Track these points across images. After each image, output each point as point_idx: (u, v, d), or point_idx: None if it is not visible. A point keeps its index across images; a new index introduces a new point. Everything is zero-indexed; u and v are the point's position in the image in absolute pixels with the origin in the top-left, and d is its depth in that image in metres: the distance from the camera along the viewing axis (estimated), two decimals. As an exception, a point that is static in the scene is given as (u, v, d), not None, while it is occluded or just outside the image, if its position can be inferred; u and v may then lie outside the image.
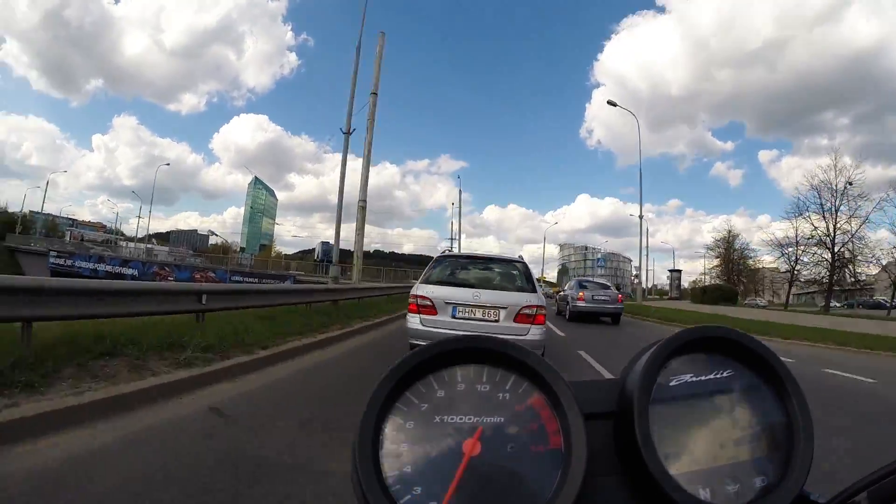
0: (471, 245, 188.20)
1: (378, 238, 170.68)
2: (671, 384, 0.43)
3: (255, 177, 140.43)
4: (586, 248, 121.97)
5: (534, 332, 4.67)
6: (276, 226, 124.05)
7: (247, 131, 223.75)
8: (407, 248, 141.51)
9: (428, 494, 0.37)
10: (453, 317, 4.76)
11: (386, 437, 0.40)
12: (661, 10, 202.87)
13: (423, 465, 0.39)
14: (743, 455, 0.42)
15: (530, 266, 5.52)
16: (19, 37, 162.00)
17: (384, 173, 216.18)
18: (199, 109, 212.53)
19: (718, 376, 0.44)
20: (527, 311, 4.69)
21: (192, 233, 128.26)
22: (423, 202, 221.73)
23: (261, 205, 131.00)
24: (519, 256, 6.00)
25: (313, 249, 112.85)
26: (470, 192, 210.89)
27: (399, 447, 0.40)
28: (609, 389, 0.46)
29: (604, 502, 0.41)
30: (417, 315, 4.85)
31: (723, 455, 0.41)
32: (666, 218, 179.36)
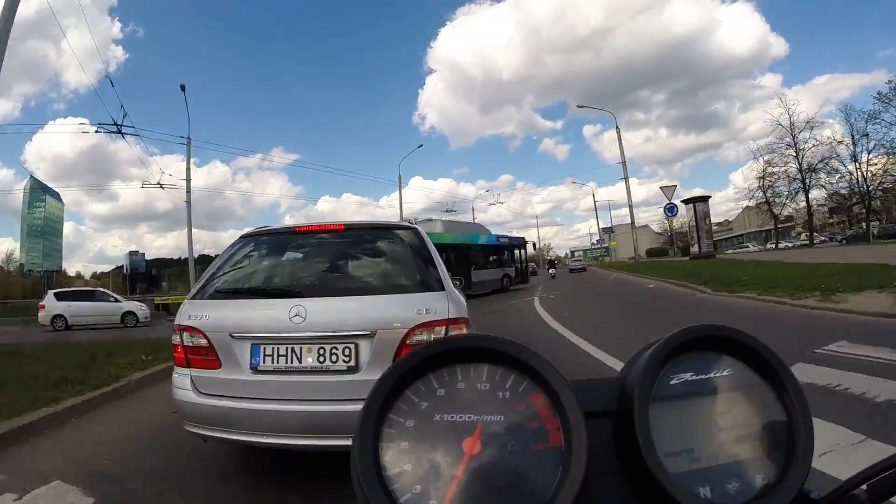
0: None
1: (211, 243, 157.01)
2: (671, 382, 0.43)
3: (32, 175, 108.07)
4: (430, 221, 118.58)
5: None
6: (63, 238, 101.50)
7: (65, 137, 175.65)
8: None
9: (428, 492, 0.37)
10: (254, 370, 2.17)
11: (386, 435, 0.40)
12: None
13: (424, 463, 0.39)
14: (743, 453, 0.42)
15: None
16: None
17: (214, 173, 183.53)
18: (13, 116, 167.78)
19: (719, 375, 0.44)
20: (423, 336, 2.14)
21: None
22: (255, 199, 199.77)
23: (40, 214, 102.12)
24: (408, 222, 3.41)
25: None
26: (303, 184, 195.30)
27: (399, 445, 0.39)
28: (609, 388, 0.46)
29: (604, 501, 0.41)
30: (187, 371, 2.31)
31: (723, 453, 0.42)
32: (496, 192, 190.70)
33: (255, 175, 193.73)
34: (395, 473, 0.38)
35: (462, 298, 2.49)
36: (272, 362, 2.18)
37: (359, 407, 0.40)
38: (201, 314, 2.31)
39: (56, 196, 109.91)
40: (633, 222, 32.03)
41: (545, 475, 0.39)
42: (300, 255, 2.91)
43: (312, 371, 2.15)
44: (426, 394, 0.42)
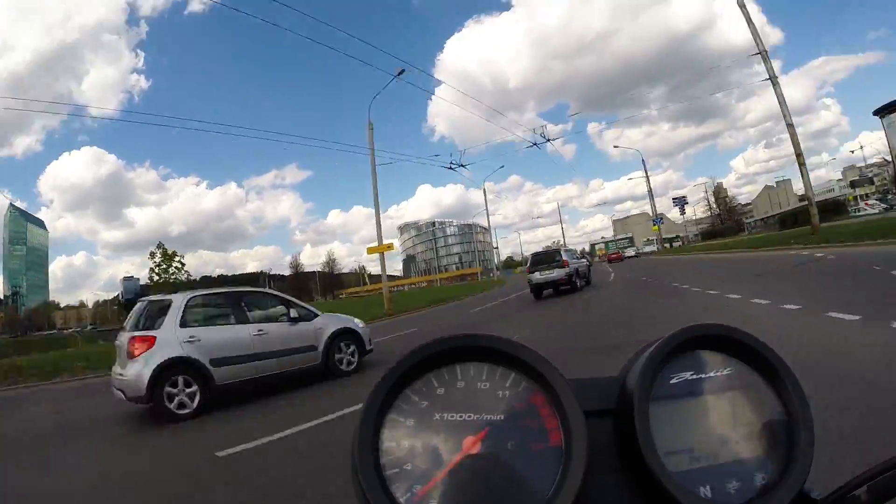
0: (317, 253, 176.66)
1: (221, 262, 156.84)
2: (671, 382, 0.43)
3: (11, 203, 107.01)
4: (434, 225, 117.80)
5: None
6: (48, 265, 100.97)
7: (81, 166, 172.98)
8: (251, 268, 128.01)
9: (428, 493, 0.37)
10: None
11: (386, 434, 0.40)
12: (507, 7, 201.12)
13: (424, 462, 0.39)
14: (743, 452, 0.42)
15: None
16: None
17: (228, 194, 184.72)
18: (34, 150, 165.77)
19: (719, 374, 0.44)
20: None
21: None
22: (266, 217, 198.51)
23: (22, 242, 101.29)
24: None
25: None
26: (313, 200, 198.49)
27: (399, 445, 0.40)
28: (609, 387, 0.46)
29: (604, 500, 0.41)
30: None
31: (723, 453, 0.41)
32: (505, 194, 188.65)
33: (267, 193, 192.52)
34: (395, 473, 0.38)
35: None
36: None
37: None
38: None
39: (40, 224, 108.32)
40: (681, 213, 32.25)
41: (545, 474, 0.39)
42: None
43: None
44: (426, 393, 0.42)
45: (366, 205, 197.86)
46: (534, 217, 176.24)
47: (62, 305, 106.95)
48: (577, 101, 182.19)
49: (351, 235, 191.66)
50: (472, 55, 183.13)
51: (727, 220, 62.13)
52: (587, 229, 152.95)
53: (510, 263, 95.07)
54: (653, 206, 30.73)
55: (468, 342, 0.43)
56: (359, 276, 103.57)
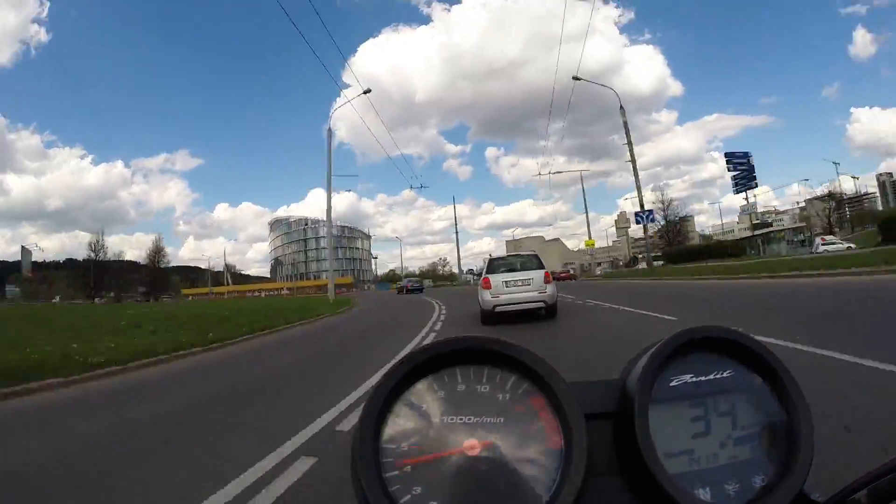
0: (201, 247, 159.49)
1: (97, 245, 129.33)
2: (671, 384, 0.43)
3: None
4: (306, 224, 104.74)
5: None
6: None
7: None
8: (130, 256, 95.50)
9: (428, 494, 0.37)
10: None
11: (386, 436, 0.40)
12: (425, 20, 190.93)
13: (423, 465, 0.39)
14: (743, 454, 0.42)
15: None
16: None
17: (113, 172, 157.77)
18: None
19: (719, 376, 0.44)
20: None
21: None
22: (151, 203, 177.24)
23: None
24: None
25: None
26: (202, 191, 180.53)
27: (399, 447, 0.40)
28: (609, 390, 0.46)
29: (604, 502, 0.41)
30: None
31: (723, 455, 0.42)
32: (396, 209, 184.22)
33: (154, 178, 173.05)
34: (394, 475, 0.38)
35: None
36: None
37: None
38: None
39: None
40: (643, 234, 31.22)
41: (545, 477, 0.39)
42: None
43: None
44: (426, 396, 0.42)
45: (255, 201, 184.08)
46: (423, 233, 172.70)
47: None
48: (479, 123, 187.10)
49: (238, 232, 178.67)
50: (383, 62, 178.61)
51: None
52: (474, 251, 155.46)
53: (391, 277, 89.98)
54: (641, 200, 27.61)
55: (469, 345, 0.43)
56: (221, 274, 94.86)
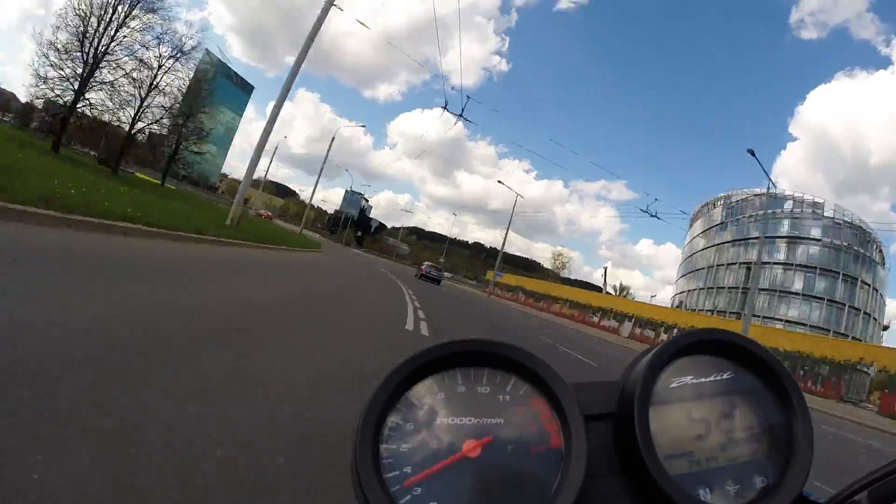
0: (618, 275, 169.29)
1: (524, 247, 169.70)
2: (671, 386, 0.43)
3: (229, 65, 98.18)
4: None
5: None
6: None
7: (427, 123, 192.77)
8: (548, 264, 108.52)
9: (428, 495, 0.37)
10: None
11: (386, 438, 0.40)
12: (885, 63, 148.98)
13: (423, 466, 0.39)
14: (743, 456, 0.42)
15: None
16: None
17: (553, 189, 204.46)
18: (394, 99, 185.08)
19: (719, 378, 0.44)
20: None
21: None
22: (579, 222, 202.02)
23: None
24: None
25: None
26: (627, 223, 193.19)
27: (399, 448, 0.39)
28: (609, 391, 0.46)
29: (604, 503, 0.41)
30: None
31: (723, 456, 0.42)
32: None
33: (588, 202, 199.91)
34: (395, 475, 0.38)
35: None
36: None
37: None
38: None
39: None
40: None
41: (545, 478, 0.39)
42: None
43: None
44: (427, 397, 0.42)
45: (675, 243, 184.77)
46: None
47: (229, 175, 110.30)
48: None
49: (656, 270, 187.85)
50: (835, 113, 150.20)
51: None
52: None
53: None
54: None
55: (469, 347, 0.43)
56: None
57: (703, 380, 0.44)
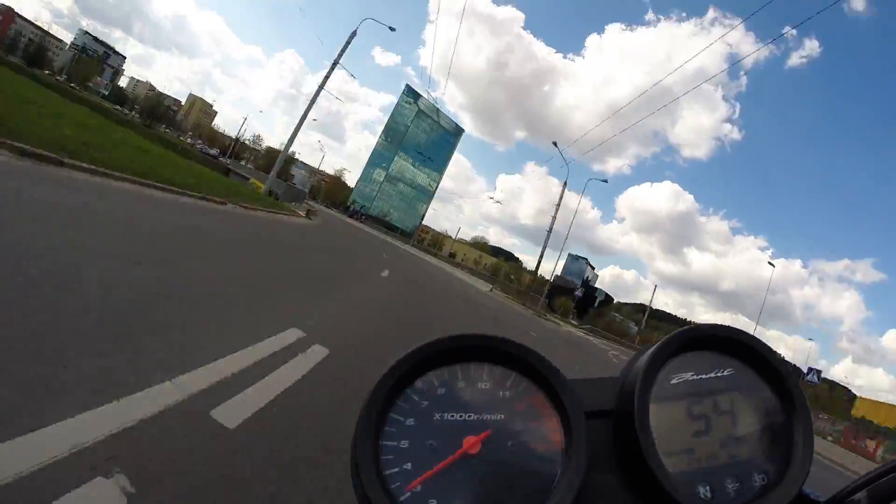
0: (859, 373, 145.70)
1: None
2: (672, 382, 0.43)
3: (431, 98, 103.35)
4: None
5: None
6: None
7: (658, 197, 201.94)
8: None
9: (428, 493, 0.37)
10: None
11: (386, 433, 0.40)
12: None
13: (423, 462, 0.39)
14: (743, 454, 0.42)
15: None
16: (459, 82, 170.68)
17: (791, 269, 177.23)
18: (624, 172, 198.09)
19: (719, 375, 0.44)
20: None
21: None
22: (821, 311, 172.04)
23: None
24: None
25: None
26: (875, 309, 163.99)
27: (399, 443, 0.39)
28: (609, 387, 0.46)
29: (604, 500, 0.41)
30: None
31: (723, 453, 0.41)
32: None
33: (828, 285, 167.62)
34: (394, 472, 0.38)
35: None
36: None
37: None
38: None
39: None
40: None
41: (545, 474, 0.39)
42: None
43: None
44: (426, 393, 0.42)
45: None
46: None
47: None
48: None
49: None
50: None
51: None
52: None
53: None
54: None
55: (469, 342, 0.43)
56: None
57: (703, 376, 0.44)
